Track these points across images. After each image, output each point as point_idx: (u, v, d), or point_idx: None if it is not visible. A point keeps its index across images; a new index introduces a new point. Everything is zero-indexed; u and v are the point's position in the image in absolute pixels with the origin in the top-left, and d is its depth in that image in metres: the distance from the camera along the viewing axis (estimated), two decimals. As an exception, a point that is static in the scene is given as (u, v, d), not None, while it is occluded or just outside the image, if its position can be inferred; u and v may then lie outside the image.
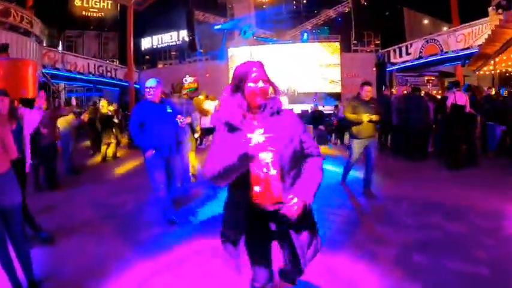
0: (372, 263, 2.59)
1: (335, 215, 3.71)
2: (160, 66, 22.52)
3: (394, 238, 3.06)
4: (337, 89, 18.52)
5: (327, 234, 3.06)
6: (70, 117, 5.78)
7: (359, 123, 4.23)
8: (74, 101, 5.97)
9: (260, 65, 1.48)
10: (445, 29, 18.99)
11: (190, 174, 5.08)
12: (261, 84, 1.44)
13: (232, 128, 1.44)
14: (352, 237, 3.14)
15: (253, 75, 1.44)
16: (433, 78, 15.83)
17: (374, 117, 4.22)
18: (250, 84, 1.44)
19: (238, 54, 18.19)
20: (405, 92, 8.25)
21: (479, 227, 3.25)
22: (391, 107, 7.16)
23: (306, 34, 18.11)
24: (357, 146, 4.40)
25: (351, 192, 4.60)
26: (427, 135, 6.89)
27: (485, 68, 11.66)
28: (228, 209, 1.57)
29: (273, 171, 1.40)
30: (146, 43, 22.85)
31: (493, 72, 10.64)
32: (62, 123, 6.02)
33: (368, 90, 4.29)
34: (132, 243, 3.09)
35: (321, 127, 9.63)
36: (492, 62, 9.97)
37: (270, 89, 1.49)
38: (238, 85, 1.46)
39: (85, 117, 5.91)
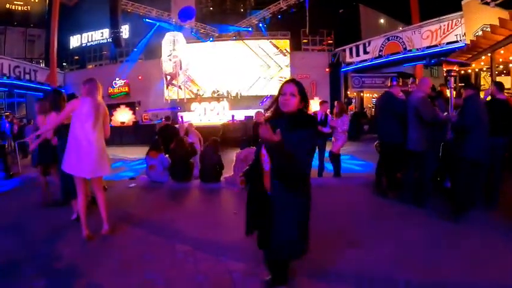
0: None
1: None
2: (90, 67, 19.74)
3: None
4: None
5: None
6: None
7: None
8: None
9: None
10: (401, 29, 17.84)
11: None
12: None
13: None
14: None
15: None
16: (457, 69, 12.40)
17: None
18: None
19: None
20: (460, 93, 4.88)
21: None
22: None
23: (248, 31, 16.25)
24: None
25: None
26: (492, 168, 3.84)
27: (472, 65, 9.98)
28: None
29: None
30: (75, 41, 19.99)
31: (490, 68, 8.64)
32: None
33: None
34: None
35: None
36: (483, 57, 8.30)
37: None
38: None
39: None
